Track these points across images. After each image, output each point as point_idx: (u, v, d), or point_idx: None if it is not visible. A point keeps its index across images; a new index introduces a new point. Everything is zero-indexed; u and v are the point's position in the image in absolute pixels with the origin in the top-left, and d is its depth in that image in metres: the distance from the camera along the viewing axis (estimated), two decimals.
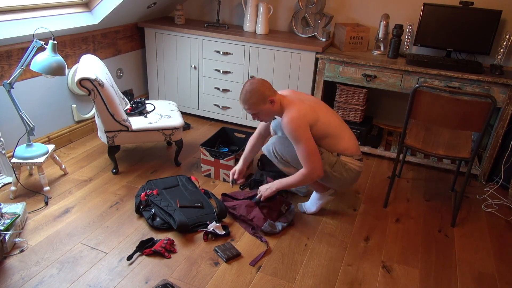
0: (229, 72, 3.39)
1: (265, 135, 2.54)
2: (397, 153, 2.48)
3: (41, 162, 2.40)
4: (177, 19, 3.50)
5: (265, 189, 2.29)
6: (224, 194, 2.52)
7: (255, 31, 3.41)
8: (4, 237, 1.97)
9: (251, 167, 2.98)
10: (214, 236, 2.20)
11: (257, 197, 2.32)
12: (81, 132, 3.24)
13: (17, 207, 2.19)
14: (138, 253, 2.05)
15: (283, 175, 2.80)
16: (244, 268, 2.02)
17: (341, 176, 2.23)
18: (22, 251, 2.03)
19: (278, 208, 2.37)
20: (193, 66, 3.49)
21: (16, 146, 2.46)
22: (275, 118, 2.39)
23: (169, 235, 2.20)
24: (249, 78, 2.16)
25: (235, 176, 2.52)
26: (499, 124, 2.76)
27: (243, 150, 2.73)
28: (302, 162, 2.13)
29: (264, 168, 2.87)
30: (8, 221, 2.05)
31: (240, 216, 2.32)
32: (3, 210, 2.13)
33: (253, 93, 2.09)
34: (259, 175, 2.66)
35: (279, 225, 2.29)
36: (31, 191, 2.51)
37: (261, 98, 2.10)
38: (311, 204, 2.46)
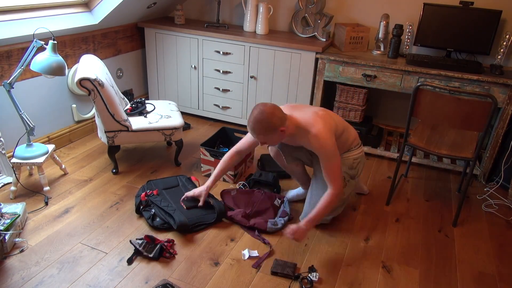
0: (229, 72, 3.39)
1: (242, 154, 2.35)
2: (400, 152, 2.48)
3: (41, 162, 2.40)
4: (177, 19, 3.50)
5: (295, 233, 2.00)
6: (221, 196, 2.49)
7: (255, 31, 3.41)
8: (4, 237, 1.97)
9: (251, 166, 2.98)
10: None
11: (288, 235, 2.04)
12: (81, 132, 3.24)
13: (17, 207, 2.19)
14: (137, 255, 2.05)
15: (282, 175, 2.80)
16: (244, 268, 2.02)
17: (358, 171, 2.31)
18: (22, 251, 2.03)
19: (271, 203, 2.40)
20: (193, 66, 3.49)
21: (16, 146, 2.46)
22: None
23: (169, 235, 2.20)
24: (261, 104, 1.97)
25: (200, 204, 2.33)
26: (499, 124, 2.76)
27: None
28: (330, 180, 2.02)
29: (264, 168, 2.88)
30: (8, 221, 2.05)
31: (241, 225, 2.32)
32: (3, 210, 2.13)
33: (262, 123, 1.90)
34: (258, 175, 2.66)
35: (280, 221, 2.31)
36: (31, 191, 2.51)
37: (270, 129, 1.92)
38: (293, 194, 2.59)
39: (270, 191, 2.58)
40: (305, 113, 2.07)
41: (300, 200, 2.57)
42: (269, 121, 1.90)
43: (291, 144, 2.26)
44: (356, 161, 2.27)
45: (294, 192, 2.61)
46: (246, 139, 2.31)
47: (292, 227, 2.00)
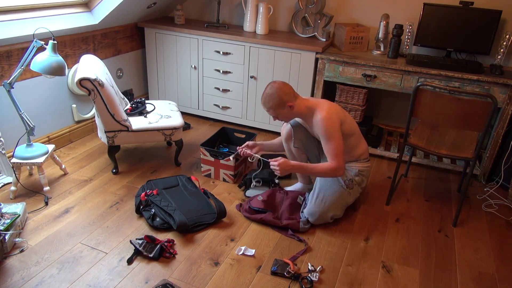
0: (229, 72, 3.39)
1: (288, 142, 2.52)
2: (400, 152, 2.48)
3: (41, 162, 2.40)
4: (177, 19, 3.50)
5: (280, 164, 2.16)
6: (248, 203, 2.45)
7: (255, 31, 3.41)
8: (4, 237, 1.97)
9: (252, 166, 2.98)
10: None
11: (271, 166, 2.20)
12: (81, 132, 3.24)
13: (17, 207, 2.19)
14: (137, 255, 2.05)
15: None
16: (244, 268, 2.02)
17: (364, 182, 2.40)
18: (22, 251, 2.03)
19: (295, 202, 2.42)
20: (193, 66, 3.49)
21: (16, 146, 2.46)
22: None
23: (169, 235, 2.20)
24: (267, 82, 2.21)
25: (247, 151, 2.49)
26: (499, 124, 2.76)
27: None
28: (331, 157, 2.15)
29: (264, 167, 2.87)
30: (8, 221, 2.05)
31: (273, 226, 2.32)
32: (3, 210, 2.13)
33: (272, 97, 2.16)
34: (254, 173, 2.66)
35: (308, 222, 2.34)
36: (31, 191, 2.51)
37: (279, 103, 2.16)
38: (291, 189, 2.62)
39: (267, 188, 2.58)
40: (317, 99, 2.27)
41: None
42: (278, 95, 2.14)
43: (304, 127, 2.40)
44: (362, 173, 2.34)
45: (292, 188, 2.64)
46: (283, 134, 2.50)
47: (279, 159, 2.18)
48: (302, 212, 2.37)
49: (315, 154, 2.48)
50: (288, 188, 2.63)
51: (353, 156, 2.33)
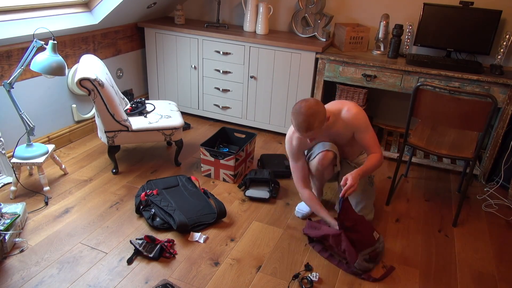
0: (229, 72, 3.39)
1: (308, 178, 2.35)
2: (400, 152, 2.48)
3: (41, 162, 2.40)
4: (177, 19, 3.50)
5: (348, 184, 1.99)
6: (309, 220, 2.28)
7: (255, 31, 3.41)
8: (4, 237, 1.97)
9: (252, 166, 2.98)
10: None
11: (340, 194, 2.02)
12: (81, 132, 3.24)
13: (17, 207, 2.19)
14: (137, 255, 2.05)
15: (277, 174, 2.80)
16: (244, 268, 2.02)
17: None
18: (22, 251, 2.03)
19: (369, 233, 2.09)
20: (193, 66, 3.49)
21: (16, 146, 2.46)
22: None
23: (169, 235, 2.20)
24: (302, 101, 1.96)
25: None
26: (499, 124, 2.76)
27: (243, 151, 2.74)
28: (373, 148, 2.15)
29: (264, 166, 2.87)
30: (8, 221, 2.05)
31: (330, 248, 2.11)
32: (3, 210, 2.13)
33: (316, 117, 1.92)
34: (254, 173, 2.66)
35: (365, 261, 2.02)
36: (31, 191, 2.51)
37: (323, 119, 1.96)
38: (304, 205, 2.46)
39: (267, 188, 2.59)
40: (331, 103, 2.20)
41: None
42: (321, 112, 1.95)
43: (324, 139, 2.26)
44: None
45: (301, 211, 2.44)
46: (298, 165, 2.28)
47: (348, 178, 2.02)
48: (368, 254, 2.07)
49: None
50: (300, 214, 2.43)
51: (361, 151, 2.37)
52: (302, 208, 2.44)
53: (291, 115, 1.98)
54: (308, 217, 2.40)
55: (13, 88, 2.33)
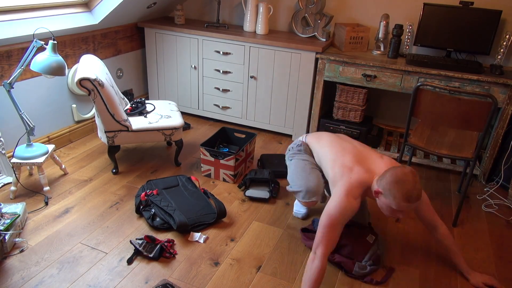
0: (229, 72, 3.39)
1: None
2: (400, 152, 2.48)
3: (41, 162, 2.40)
4: (177, 19, 3.50)
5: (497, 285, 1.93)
6: (303, 230, 2.26)
7: (255, 31, 3.41)
8: (4, 237, 1.97)
9: (252, 166, 2.98)
10: None
11: None
12: (81, 132, 3.24)
13: (17, 207, 2.19)
14: (137, 255, 2.05)
15: (278, 174, 2.80)
16: (244, 268, 2.02)
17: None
18: (22, 251, 2.03)
19: (360, 240, 2.07)
20: (193, 66, 3.49)
21: (16, 146, 2.46)
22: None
23: (169, 235, 2.20)
24: (400, 167, 1.77)
25: None
26: (499, 124, 2.76)
27: (242, 151, 2.74)
28: (436, 220, 2.03)
29: (264, 166, 2.87)
30: (8, 221, 2.05)
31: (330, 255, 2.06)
32: (3, 210, 2.13)
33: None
34: (254, 173, 2.66)
35: (370, 265, 2.02)
36: (31, 191, 2.51)
37: None
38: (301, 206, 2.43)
39: (267, 188, 2.58)
40: (371, 161, 1.97)
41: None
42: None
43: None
44: None
45: (303, 210, 2.43)
46: (336, 234, 1.83)
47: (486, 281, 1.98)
48: (368, 256, 2.05)
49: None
50: (300, 215, 2.42)
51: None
52: (298, 208, 2.44)
53: (390, 185, 1.72)
54: (302, 228, 2.29)
55: (13, 88, 2.33)
